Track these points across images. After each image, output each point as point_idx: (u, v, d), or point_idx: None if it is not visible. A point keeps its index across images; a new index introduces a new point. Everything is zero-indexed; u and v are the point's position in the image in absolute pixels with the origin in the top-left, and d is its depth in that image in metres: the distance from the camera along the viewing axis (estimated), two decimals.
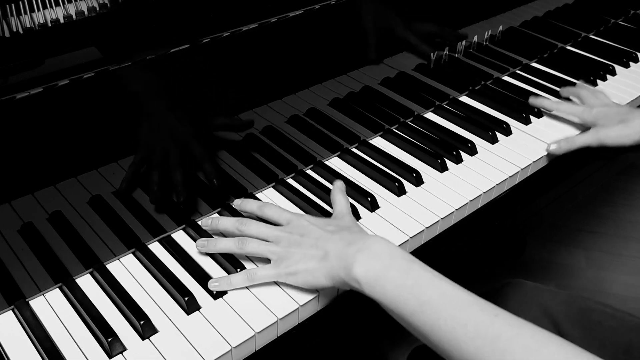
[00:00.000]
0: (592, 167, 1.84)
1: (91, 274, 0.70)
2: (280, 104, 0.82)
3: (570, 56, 1.21)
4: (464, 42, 1.02)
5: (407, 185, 0.84)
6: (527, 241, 1.58)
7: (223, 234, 0.74)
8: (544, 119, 1.00)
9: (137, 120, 0.68)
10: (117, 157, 0.69)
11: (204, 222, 0.73)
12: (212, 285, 0.67)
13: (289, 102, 0.83)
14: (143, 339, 0.62)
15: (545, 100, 1.00)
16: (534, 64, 1.17)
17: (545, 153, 0.92)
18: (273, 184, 0.84)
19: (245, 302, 0.66)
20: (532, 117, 1.00)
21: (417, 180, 0.84)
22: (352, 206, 0.78)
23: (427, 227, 0.77)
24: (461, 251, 1.44)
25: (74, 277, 0.69)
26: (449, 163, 0.88)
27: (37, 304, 0.66)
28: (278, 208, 0.71)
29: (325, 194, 0.81)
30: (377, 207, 0.80)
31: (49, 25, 0.60)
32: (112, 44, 0.64)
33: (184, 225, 0.76)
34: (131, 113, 0.68)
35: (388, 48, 0.93)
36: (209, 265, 0.71)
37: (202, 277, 0.68)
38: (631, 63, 1.19)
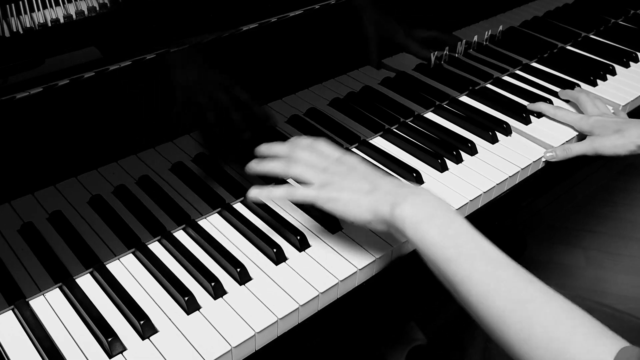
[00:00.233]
0: (592, 167, 1.84)
1: (91, 273, 0.70)
2: (280, 104, 0.82)
3: (570, 56, 1.21)
4: (464, 42, 1.02)
5: None
6: (527, 241, 1.58)
7: (261, 180, 0.74)
8: (544, 119, 1.00)
9: (137, 121, 0.68)
10: (117, 157, 0.69)
11: (260, 148, 0.72)
12: (251, 192, 0.68)
13: (289, 102, 0.83)
14: (143, 338, 0.62)
15: (543, 105, 1.00)
16: (534, 64, 1.17)
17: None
18: (273, 184, 0.83)
19: (245, 302, 0.66)
20: (532, 117, 1.00)
21: (417, 180, 0.84)
22: None
23: None
24: None
25: (74, 277, 0.69)
26: (449, 163, 0.88)
27: (37, 303, 0.66)
28: (330, 143, 0.71)
29: None
30: None
31: (49, 25, 0.60)
32: (112, 44, 0.64)
33: (184, 225, 0.76)
34: (131, 113, 0.68)
35: (388, 48, 0.93)
36: (209, 265, 0.71)
37: (203, 276, 0.68)
38: (631, 63, 1.19)
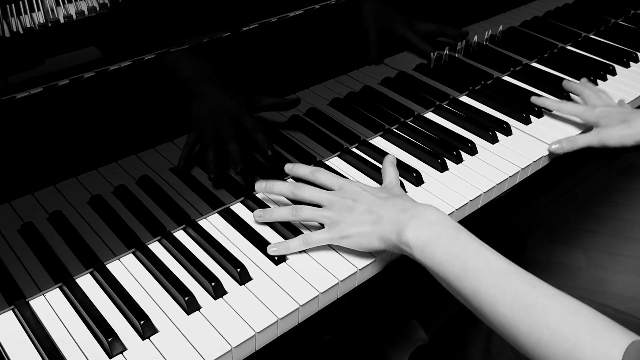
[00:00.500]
0: (592, 167, 1.83)
1: (91, 273, 0.70)
2: None
3: (570, 56, 1.21)
4: (464, 42, 1.02)
5: (408, 185, 0.84)
6: (527, 241, 1.58)
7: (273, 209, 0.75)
8: (544, 118, 1.00)
9: (137, 121, 0.68)
10: (117, 157, 0.69)
11: (258, 185, 0.76)
12: (270, 250, 0.70)
13: None
14: (143, 339, 0.62)
15: (547, 100, 1.00)
16: (534, 64, 1.17)
17: (546, 153, 0.92)
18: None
19: (245, 302, 0.66)
20: (532, 117, 1.00)
21: (418, 180, 0.84)
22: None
23: None
24: None
25: (74, 277, 0.69)
26: (449, 163, 0.88)
27: (37, 304, 0.66)
28: (330, 173, 0.75)
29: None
30: None
31: (49, 25, 0.60)
32: (112, 44, 0.64)
33: (184, 225, 0.76)
34: (132, 113, 0.68)
35: (388, 48, 0.93)
36: (209, 265, 0.71)
37: (203, 276, 0.68)
38: (631, 63, 1.19)
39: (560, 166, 0.97)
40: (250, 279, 0.69)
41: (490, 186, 0.85)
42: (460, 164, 0.89)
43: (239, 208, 0.79)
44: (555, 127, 0.98)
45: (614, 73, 1.15)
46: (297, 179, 0.79)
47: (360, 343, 1.26)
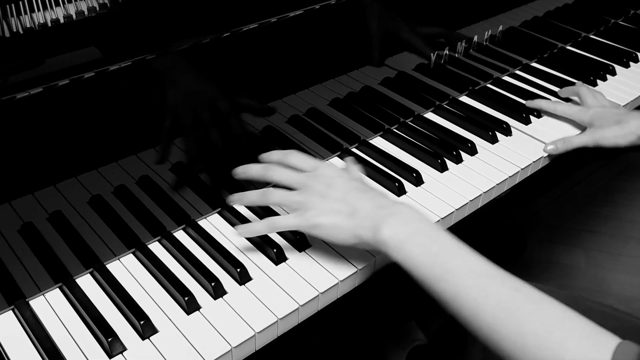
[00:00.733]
0: (592, 167, 1.83)
1: (91, 274, 0.70)
2: (280, 104, 0.82)
3: (570, 56, 1.21)
4: (464, 42, 1.02)
5: (407, 185, 0.84)
6: (527, 241, 1.58)
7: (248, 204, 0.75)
8: (544, 119, 1.00)
9: (138, 121, 0.68)
10: (117, 157, 0.69)
11: (236, 170, 0.72)
12: (238, 230, 0.69)
13: (289, 102, 0.83)
14: (143, 339, 0.62)
15: (542, 101, 1.00)
16: (534, 64, 1.17)
17: (546, 154, 0.92)
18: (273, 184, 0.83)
19: (245, 302, 0.66)
20: (532, 117, 1.00)
21: (417, 180, 0.84)
22: None
23: None
24: None
25: (74, 277, 0.69)
26: (449, 163, 0.88)
27: (37, 304, 0.66)
28: (303, 154, 0.71)
29: None
30: None
31: (49, 25, 0.60)
32: (112, 44, 0.64)
33: (184, 225, 0.76)
34: (132, 113, 0.68)
35: (388, 48, 0.93)
36: (209, 265, 0.71)
37: (202, 276, 0.68)
38: (631, 63, 1.19)
39: (559, 166, 0.97)
40: (250, 279, 0.69)
41: (490, 186, 0.85)
42: (460, 164, 0.89)
43: (239, 208, 0.79)
44: (555, 127, 0.98)
45: (613, 73, 1.15)
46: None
47: (359, 343, 1.26)
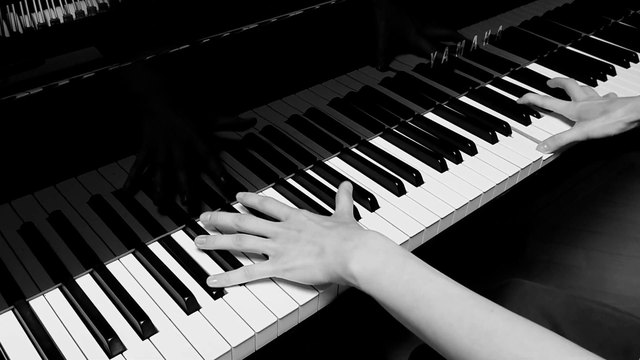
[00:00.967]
0: (592, 167, 1.83)
1: (91, 274, 0.70)
2: (280, 104, 0.82)
3: (570, 56, 1.21)
4: (464, 42, 1.02)
5: (407, 185, 0.84)
6: (527, 241, 1.58)
7: (220, 231, 0.74)
8: (544, 119, 1.00)
9: (138, 120, 0.68)
10: (117, 157, 0.69)
11: (203, 216, 0.74)
12: (210, 282, 0.67)
13: (289, 102, 0.83)
14: (143, 339, 0.62)
15: (530, 95, 1.01)
16: (534, 64, 1.17)
17: (545, 153, 0.92)
18: (273, 183, 0.84)
19: (245, 302, 0.66)
20: (532, 118, 1.00)
21: (417, 180, 0.84)
22: (352, 206, 0.78)
23: (427, 227, 0.77)
24: (461, 251, 1.44)
25: (74, 277, 0.69)
26: (449, 163, 0.88)
27: (37, 304, 0.66)
28: (278, 203, 0.72)
29: (325, 194, 0.81)
30: (377, 207, 0.80)
31: (49, 25, 0.60)
32: (112, 44, 0.64)
33: (184, 225, 0.76)
34: (132, 113, 0.68)
35: (389, 49, 0.93)
36: (209, 265, 0.71)
37: (202, 277, 0.68)
38: (631, 63, 1.19)
39: (560, 166, 0.97)
40: None
41: (490, 186, 0.85)
42: (460, 164, 0.89)
43: (239, 208, 0.80)
44: (555, 127, 0.98)
45: (613, 73, 1.15)
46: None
47: (359, 343, 1.26)
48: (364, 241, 0.61)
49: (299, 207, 0.80)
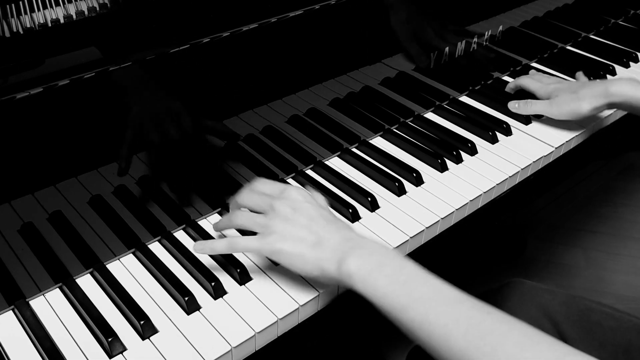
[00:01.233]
0: (592, 167, 1.84)
1: (91, 274, 0.70)
2: (280, 104, 0.82)
3: (570, 56, 1.21)
4: (464, 42, 1.02)
5: (407, 185, 0.84)
6: (527, 241, 1.58)
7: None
8: (544, 119, 1.00)
9: (138, 120, 0.68)
10: (117, 157, 0.69)
11: (215, 225, 0.72)
12: (196, 247, 0.67)
13: (289, 102, 0.83)
14: (143, 339, 0.62)
15: (511, 83, 1.05)
16: (534, 64, 1.17)
17: (546, 153, 0.92)
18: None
19: (245, 302, 0.66)
20: (532, 118, 1.00)
21: (417, 180, 0.84)
22: (352, 206, 0.78)
23: (427, 227, 0.77)
24: (461, 251, 1.44)
25: (74, 277, 0.69)
26: (449, 163, 0.88)
27: (37, 304, 0.66)
28: (270, 180, 0.69)
29: (325, 194, 0.81)
30: (377, 207, 0.80)
31: (49, 25, 0.60)
32: (112, 44, 0.64)
33: (184, 225, 0.76)
34: (132, 113, 0.68)
35: (388, 48, 0.93)
36: (211, 265, 0.71)
37: (204, 277, 0.68)
38: (631, 63, 1.19)
39: (560, 166, 0.97)
40: (250, 279, 0.69)
41: (490, 186, 0.85)
42: (460, 164, 0.89)
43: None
44: (555, 127, 0.98)
45: (613, 73, 1.15)
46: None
47: (359, 343, 1.27)
48: (364, 243, 0.61)
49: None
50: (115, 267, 0.70)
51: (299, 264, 0.62)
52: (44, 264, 0.66)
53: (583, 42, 1.26)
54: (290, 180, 0.84)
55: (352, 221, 0.77)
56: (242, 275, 0.68)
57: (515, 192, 0.90)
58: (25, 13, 0.58)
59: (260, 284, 0.68)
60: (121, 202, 0.71)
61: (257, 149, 0.82)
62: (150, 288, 0.68)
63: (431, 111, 1.01)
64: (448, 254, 1.24)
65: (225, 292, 0.67)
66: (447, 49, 1.00)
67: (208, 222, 0.77)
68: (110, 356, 0.60)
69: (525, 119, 0.99)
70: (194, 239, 0.74)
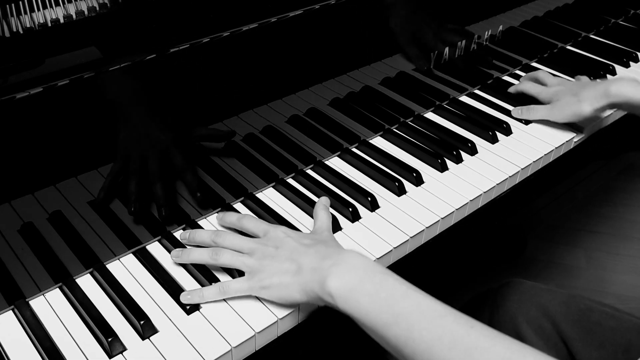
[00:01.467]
0: (592, 167, 1.84)
1: (91, 273, 0.70)
2: (280, 104, 0.82)
3: (570, 56, 1.21)
4: (464, 42, 1.02)
5: (408, 185, 0.84)
6: (527, 241, 1.58)
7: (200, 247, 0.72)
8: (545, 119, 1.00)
9: (138, 120, 0.68)
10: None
11: (182, 234, 0.72)
12: (184, 298, 0.65)
13: (289, 102, 0.83)
14: (143, 339, 0.62)
15: (512, 88, 1.05)
16: (534, 64, 1.17)
17: (546, 153, 0.92)
18: (273, 183, 0.84)
19: (245, 302, 0.66)
20: None
21: (417, 180, 0.84)
22: (353, 205, 0.78)
23: (427, 227, 0.77)
24: (461, 251, 1.44)
25: (74, 277, 0.69)
26: (449, 163, 0.88)
27: (37, 304, 0.66)
28: (256, 220, 0.71)
29: (325, 194, 0.81)
30: (377, 206, 0.80)
31: (49, 25, 0.60)
32: (112, 44, 0.64)
33: (184, 225, 0.76)
34: (132, 113, 0.68)
35: (388, 48, 0.93)
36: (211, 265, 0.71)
37: (204, 277, 0.68)
38: (631, 63, 1.19)
39: (560, 166, 0.97)
40: None
41: (490, 186, 0.85)
42: (460, 164, 0.89)
43: (239, 207, 0.80)
44: (555, 127, 0.98)
45: (613, 73, 1.15)
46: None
47: (359, 343, 1.26)
48: (342, 259, 0.60)
49: (299, 206, 0.80)
50: (115, 267, 0.70)
51: (286, 294, 0.63)
52: (44, 264, 0.66)
53: (583, 41, 1.26)
54: (290, 180, 0.84)
55: (353, 221, 0.77)
56: (241, 275, 0.68)
57: (515, 192, 0.90)
58: (25, 13, 0.58)
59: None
60: (121, 202, 0.71)
61: (257, 148, 0.82)
62: (150, 288, 0.68)
63: (431, 111, 1.01)
64: (448, 254, 1.24)
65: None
66: (447, 48, 1.00)
67: (208, 222, 0.77)
68: (110, 356, 0.60)
69: (526, 119, 0.99)
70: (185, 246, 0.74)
